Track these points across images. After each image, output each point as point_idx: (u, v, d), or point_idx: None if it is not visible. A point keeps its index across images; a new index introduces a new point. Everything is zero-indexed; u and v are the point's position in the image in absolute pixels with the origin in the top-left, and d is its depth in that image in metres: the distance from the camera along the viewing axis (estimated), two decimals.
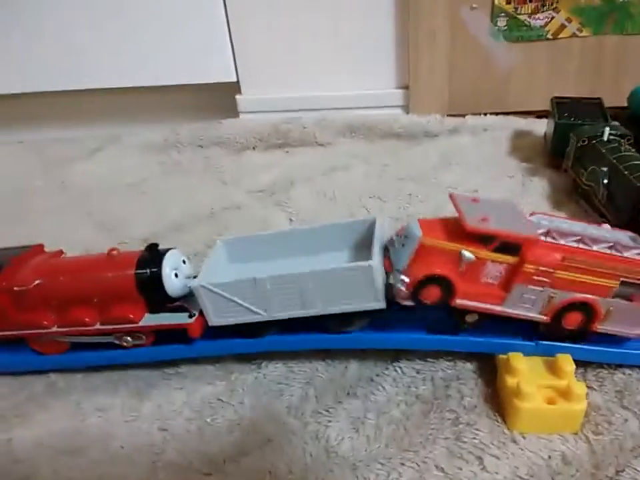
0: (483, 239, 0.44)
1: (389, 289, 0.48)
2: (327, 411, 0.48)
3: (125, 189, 0.92)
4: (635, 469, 0.41)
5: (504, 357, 0.48)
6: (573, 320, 0.46)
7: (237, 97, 1.09)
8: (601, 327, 0.47)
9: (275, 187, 0.89)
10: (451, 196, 0.49)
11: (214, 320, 0.50)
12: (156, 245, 0.52)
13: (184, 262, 0.52)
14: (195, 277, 0.51)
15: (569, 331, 0.47)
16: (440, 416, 0.47)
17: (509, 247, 0.44)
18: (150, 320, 0.51)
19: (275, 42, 1.05)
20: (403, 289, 0.46)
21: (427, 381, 0.50)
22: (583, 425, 0.45)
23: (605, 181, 0.69)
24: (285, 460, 0.44)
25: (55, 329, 0.52)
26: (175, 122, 1.08)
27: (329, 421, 0.47)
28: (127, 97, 1.10)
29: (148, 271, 0.50)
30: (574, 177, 0.79)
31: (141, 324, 0.51)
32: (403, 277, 0.45)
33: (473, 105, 1.09)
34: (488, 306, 0.46)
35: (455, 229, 0.46)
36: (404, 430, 0.46)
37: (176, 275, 0.51)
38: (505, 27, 1.04)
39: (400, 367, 0.52)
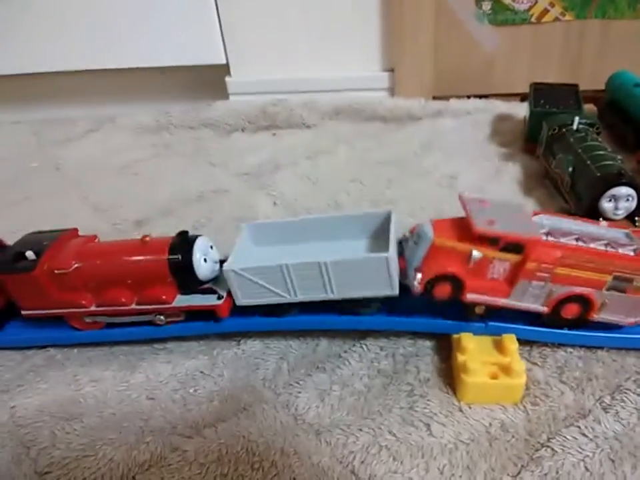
0: (490, 240, 0.48)
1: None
2: (297, 383, 0.53)
3: (118, 171, 0.96)
4: (564, 437, 0.46)
5: (456, 336, 0.53)
6: (570, 310, 0.51)
7: (227, 79, 1.12)
8: (597, 317, 0.51)
9: (261, 169, 0.93)
10: (460, 198, 0.52)
11: (241, 300, 0.54)
12: (186, 232, 0.56)
13: (211, 247, 0.57)
14: (222, 262, 0.55)
15: (567, 320, 0.52)
16: (397, 388, 0.52)
17: (513, 247, 0.48)
18: (182, 301, 0.56)
19: (263, 25, 1.08)
20: (417, 285, 0.50)
21: (388, 357, 0.55)
22: (523, 397, 0.50)
23: (570, 169, 0.73)
24: (257, 426, 0.50)
25: (93, 308, 0.56)
26: (167, 103, 1.11)
27: (299, 392, 0.52)
28: (119, 78, 1.13)
29: (179, 256, 0.54)
30: (544, 163, 0.83)
31: (173, 304, 0.55)
32: (416, 274, 0.50)
33: (457, 87, 1.12)
34: (495, 299, 0.51)
35: (464, 230, 0.49)
36: (364, 400, 0.51)
37: (205, 260, 0.55)
38: (490, 11, 1.06)
39: (366, 345, 0.57)
